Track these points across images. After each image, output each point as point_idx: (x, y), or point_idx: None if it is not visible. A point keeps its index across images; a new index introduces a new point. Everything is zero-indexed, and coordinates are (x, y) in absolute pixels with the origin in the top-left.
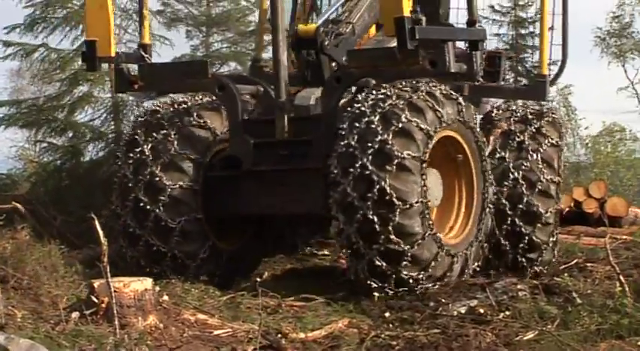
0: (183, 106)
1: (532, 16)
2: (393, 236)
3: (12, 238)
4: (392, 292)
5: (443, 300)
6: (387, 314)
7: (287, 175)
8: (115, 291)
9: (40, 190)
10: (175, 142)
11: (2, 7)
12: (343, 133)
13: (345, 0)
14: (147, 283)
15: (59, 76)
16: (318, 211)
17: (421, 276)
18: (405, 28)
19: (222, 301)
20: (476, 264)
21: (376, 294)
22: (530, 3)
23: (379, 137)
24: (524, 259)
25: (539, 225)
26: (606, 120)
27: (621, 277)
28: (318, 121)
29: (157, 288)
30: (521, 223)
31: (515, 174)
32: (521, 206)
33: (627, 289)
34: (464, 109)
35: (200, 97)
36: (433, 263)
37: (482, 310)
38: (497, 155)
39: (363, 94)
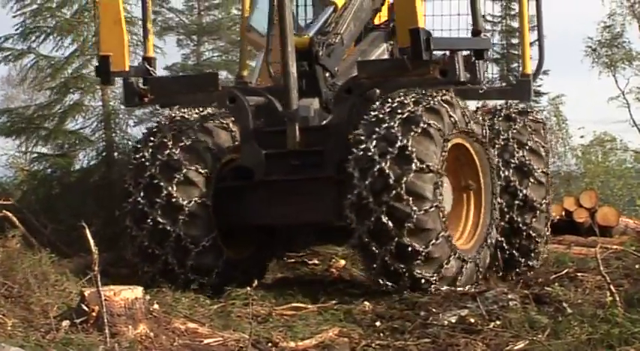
0: (188, 119)
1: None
2: (406, 236)
3: (2, 247)
4: (406, 291)
5: (433, 309)
6: (377, 323)
7: (299, 184)
8: (105, 299)
9: (30, 198)
10: (183, 159)
11: None
12: (362, 137)
13: (332, 11)
14: (137, 291)
15: (50, 85)
16: (331, 220)
17: (434, 277)
18: (420, 39)
19: (212, 310)
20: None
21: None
22: None
23: (399, 143)
24: (517, 253)
25: (534, 217)
26: (597, 130)
27: (612, 287)
28: (329, 131)
29: (148, 297)
30: (518, 218)
31: (506, 172)
32: (517, 201)
33: (618, 298)
34: (472, 117)
35: (201, 109)
36: (446, 265)
37: (472, 320)
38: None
39: (377, 102)
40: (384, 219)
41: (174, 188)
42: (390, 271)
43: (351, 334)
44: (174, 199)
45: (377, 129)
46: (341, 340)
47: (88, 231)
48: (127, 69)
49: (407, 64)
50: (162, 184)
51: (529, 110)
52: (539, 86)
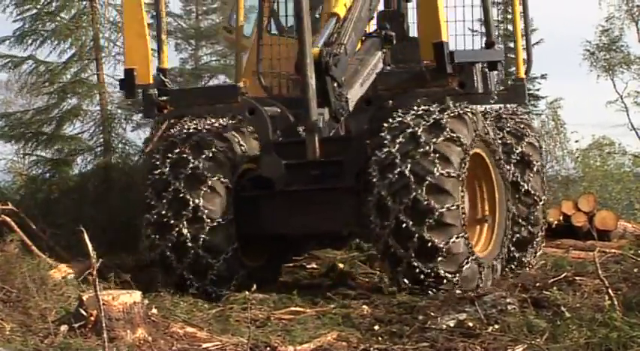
0: (202, 130)
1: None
2: (426, 231)
3: (1, 251)
4: (431, 291)
5: (432, 313)
6: (376, 327)
7: (318, 194)
8: (103, 304)
9: (29, 202)
10: (207, 171)
11: None
12: (385, 141)
13: (335, 22)
14: (136, 296)
15: (48, 89)
16: (350, 229)
17: (456, 277)
18: (444, 53)
19: (211, 314)
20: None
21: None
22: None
23: (422, 149)
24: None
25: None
26: (595, 133)
27: (610, 291)
28: (348, 141)
29: (146, 301)
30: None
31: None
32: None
33: (616, 302)
34: (487, 127)
35: (212, 120)
36: (465, 264)
37: (471, 324)
38: None
39: (400, 111)
40: (404, 217)
41: (201, 201)
42: (414, 272)
43: (350, 338)
44: (199, 213)
45: (400, 134)
46: (339, 344)
47: (86, 235)
48: (150, 82)
49: (426, 76)
50: (187, 198)
51: (519, 112)
52: (537, 90)
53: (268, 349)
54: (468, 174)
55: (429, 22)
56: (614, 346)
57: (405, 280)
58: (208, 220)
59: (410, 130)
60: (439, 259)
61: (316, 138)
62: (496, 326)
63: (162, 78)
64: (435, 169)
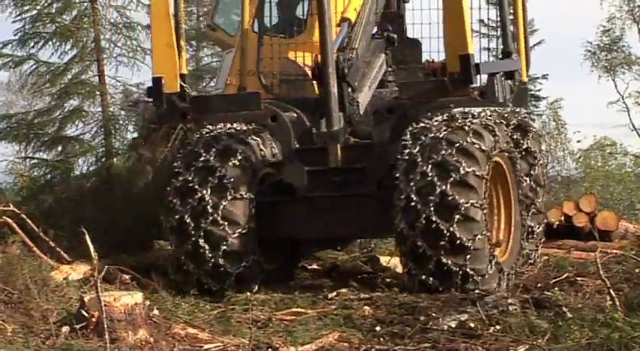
0: (223, 135)
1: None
2: (456, 226)
3: (2, 253)
4: (457, 288)
5: (433, 314)
6: (377, 328)
7: (339, 200)
8: (105, 305)
9: (30, 204)
10: (232, 179)
11: None
12: (406, 143)
13: (348, 27)
14: (137, 297)
15: (49, 90)
16: (369, 234)
17: (480, 276)
18: (470, 65)
19: (212, 315)
20: None
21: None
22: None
23: (445, 149)
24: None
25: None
26: (597, 134)
27: (612, 292)
28: (368, 149)
29: (148, 302)
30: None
31: None
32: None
33: (618, 303)
34: (505, 135)
35: (228, 126)
36: (489, 262)
37: (472, 325)
38: None
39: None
40: (433, 216)
41: (220, 215)
42: (443, 270)
43: (351, 339)
44: (220, 227)
45: (423, 137)
46: (341, 345)
47: (87, 237)
48: (178, 90)
49: (448, 86)
50: (208, 210)
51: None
52: (538, 91)
53: (270, 350)
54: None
55: (455, 34)
56: (616, 347)
57: (431, 279)
58: (231, 227)
59: (432, 134)
60: (467, 256)
61: (338, 146)
62: (497, 327)
63: (182, 84)
64: (460, 166)
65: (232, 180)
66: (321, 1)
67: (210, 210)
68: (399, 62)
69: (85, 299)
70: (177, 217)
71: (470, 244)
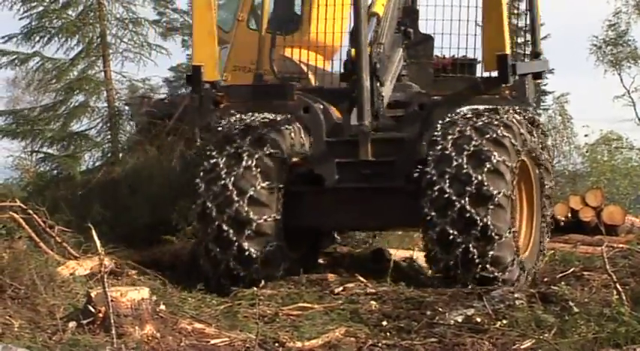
0: (256, 123)
1: (528, 25)
2: (490, 218)
3: (9, 248)
4: (476, 283)
5: (440, 309)
6: (384, 323)
7: (367, 192)
8: (112, 300)
9: (37, 199)
10: (258, 176)
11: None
12: (437, 138)
13: (376, 22)
14: (144, 292)
15: (55, 86)
16: (393, 227)
17: (507, 265)
18: (507, 65)
19: (219, 310)
20: None
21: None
22: (526, 12)
23: (475, 143)
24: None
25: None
26: (603, 128)
27: (618, 286)
28: (398, 143)
29: (154, 297)
30: None
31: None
32: None
33: (624, 297)
34: (529, 134)
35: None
36: (512, 262)
37: (479, 319)
38: None
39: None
40: (468, 206)
41: (245, 203)
42: (468, 258)
43: (358, 334)
44: (244, 214)
45: (453, 131)
46: (347, 339)
47: (94, 232)
48: (217, 79)
49: (480, 85)
50: (233, 197)
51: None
52: (544, 85)
53: (277, 344)
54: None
55: (494, 34)
56: (623, 341)
57: (454, 265)
58: (256, 213)
59: (462, 127)
60: (495, 244)
61: (369, 139)
62: (504, 321)
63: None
64: (492, 155)
65: (262, 168)
66: None
67: (235, 197)
68: (411, 57)
69: (92, 294)
70: (202, 201)
71: (500, 232)
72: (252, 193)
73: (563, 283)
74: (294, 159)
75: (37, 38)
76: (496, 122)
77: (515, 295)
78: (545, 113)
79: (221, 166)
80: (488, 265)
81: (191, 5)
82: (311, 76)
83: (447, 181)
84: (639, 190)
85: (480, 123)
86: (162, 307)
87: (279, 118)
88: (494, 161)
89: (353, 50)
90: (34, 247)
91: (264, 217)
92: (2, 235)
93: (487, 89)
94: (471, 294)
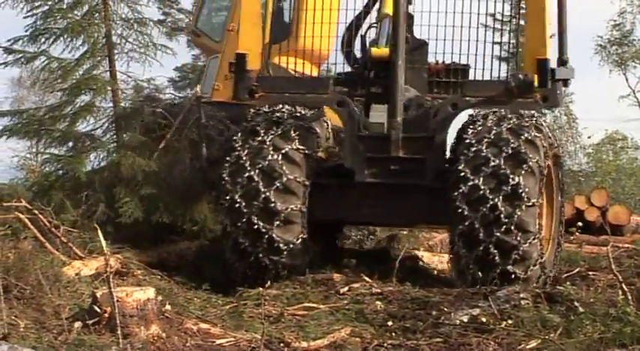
0: (282, 117)
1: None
2: (513, 228)
3: (15, 248)
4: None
5: (445, 309)
6: (389, 323)
7: (396, 188)
8: (117, 300)
9: (42, 200)
10: (284, 166)
11: (3, 17)
12: (473, 141)
13: (389, 22)
14: (149, 292)
15: (60, 86)
16: (418, 224)
17: (524, 275)
18: (547, 70)
19: (224, 310)
20: None
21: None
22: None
23: (512, 144)
24: None
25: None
26: (608, 128)
27: (624, 286)
28: (428, 141)
29: (160, 297)
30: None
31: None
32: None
33: (630, 297)
34: (553, 137)
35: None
36: (533, 266)
37: (484, 319)
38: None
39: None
40: (497, 211)
41: (272, 193)
42: (487, 262)
43: (363, 334)
44: (271, 204)
45: (487, 135)
46: (353, 339)
47: (100, 232)
48: (261, 67)
49: (513, 88)
50: (260, 188)
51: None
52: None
53: (282, 345)
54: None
55: (536, 39)
56: (628, 341)
57: (473, 269)
58: (284, 203)
59: (494, 131)
60: (514, 257)
61: (400, 135)
62: (510, 321)
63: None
64: (527, 156)
65: (287, 160)
66: None
67: (262, 188)
68: (407, 61)
69: (98, 295)
70: (230, 195)
71: (529, 234)
72: (278, 184)
73: (568, 283)
74: (320, 154)
75: (43, 39)
76: (527, 124)
77: (521, 295)
78: (551, 113)
79: (244, 158)
80: (510, 266)
81: None
82: None
83: (481, 178)
84: None
85: (513, 124)
86: (168, 307)
87: (304, 112)
88: (530, 163)
89: (373, 50)
90: (39, 248)
91: (292, 206)
92: (8, 236)
93: (519, 92)
94: (477, 294)
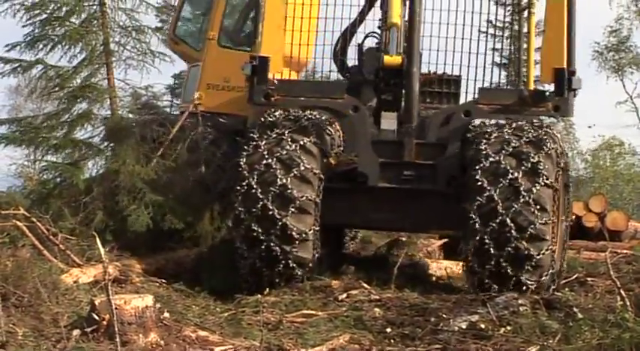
0: (301, 118)
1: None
2: (525, 241)
3: (13, 256)
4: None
5: (444, 315)
6: (388, 330)
7: (407, 193)
8: (116, 308)
9: (40, 207)
10: (302, 156)
11: (2, 26)
12: (490, 152)
13: (396, 31)
14: (148, 300)
15: (58, 94)
16: (429, 229)
17: (536, 285)
18: (564, 79)
19: (223, 318)
20: None
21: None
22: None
23: (533, 159)
24: None
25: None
26: (605, 134)
27: (622, 292)
28: (440, 147)
29: (158, 305)
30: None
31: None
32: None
33: (628, 303)
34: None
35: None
36: (545, 275)
37: (483, 325)
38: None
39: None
40: (509, 222)
41: (289, 180)
42: (499, 273)
43: (362, 341)
44: (288, 191)
45: (505, 146)
46: (352, 346)
47: (98, 239)
48: (281, 71)
49: (527, 97)
50: (277, 174)
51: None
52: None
53: None
54: None
55: (554, 48)
56: (627, 347)
57: (487, 281)
58: (295, 202)
59: (513, 144)
60: (527, 267)
61: (413, 141)
62: (508, 327)
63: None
64: (544, 169)
65: (305, 151)
66: (413, 2)
67: (280, 175)
68: None
69: (96, 302)
70: (246, 182)
71: (547, 237)
72: (295, 172)
73: (567, 289)
74: (331, 159)
75: (41, 46)
76: (545, 136)
77: (520, 302)
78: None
79: (263, 147)
80: (523, 276)
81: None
82: None
83: (498, 190)
84: None
85: (531, 136)
86: (167, 314)
87: (319, 116)
88: (548, 176)
89: (385, 58)
90: (37, 255)
91: (307, 195)
92: (6, 243)
93: (533, 102)
94: (475, 300)
